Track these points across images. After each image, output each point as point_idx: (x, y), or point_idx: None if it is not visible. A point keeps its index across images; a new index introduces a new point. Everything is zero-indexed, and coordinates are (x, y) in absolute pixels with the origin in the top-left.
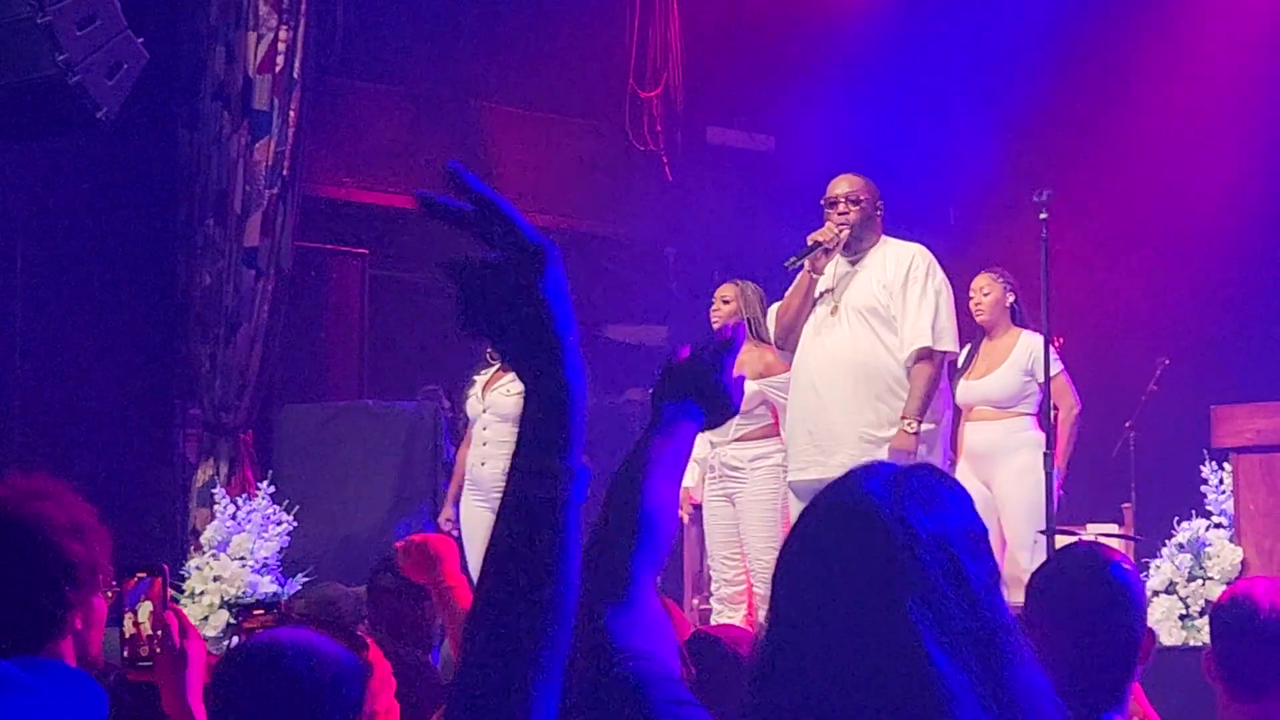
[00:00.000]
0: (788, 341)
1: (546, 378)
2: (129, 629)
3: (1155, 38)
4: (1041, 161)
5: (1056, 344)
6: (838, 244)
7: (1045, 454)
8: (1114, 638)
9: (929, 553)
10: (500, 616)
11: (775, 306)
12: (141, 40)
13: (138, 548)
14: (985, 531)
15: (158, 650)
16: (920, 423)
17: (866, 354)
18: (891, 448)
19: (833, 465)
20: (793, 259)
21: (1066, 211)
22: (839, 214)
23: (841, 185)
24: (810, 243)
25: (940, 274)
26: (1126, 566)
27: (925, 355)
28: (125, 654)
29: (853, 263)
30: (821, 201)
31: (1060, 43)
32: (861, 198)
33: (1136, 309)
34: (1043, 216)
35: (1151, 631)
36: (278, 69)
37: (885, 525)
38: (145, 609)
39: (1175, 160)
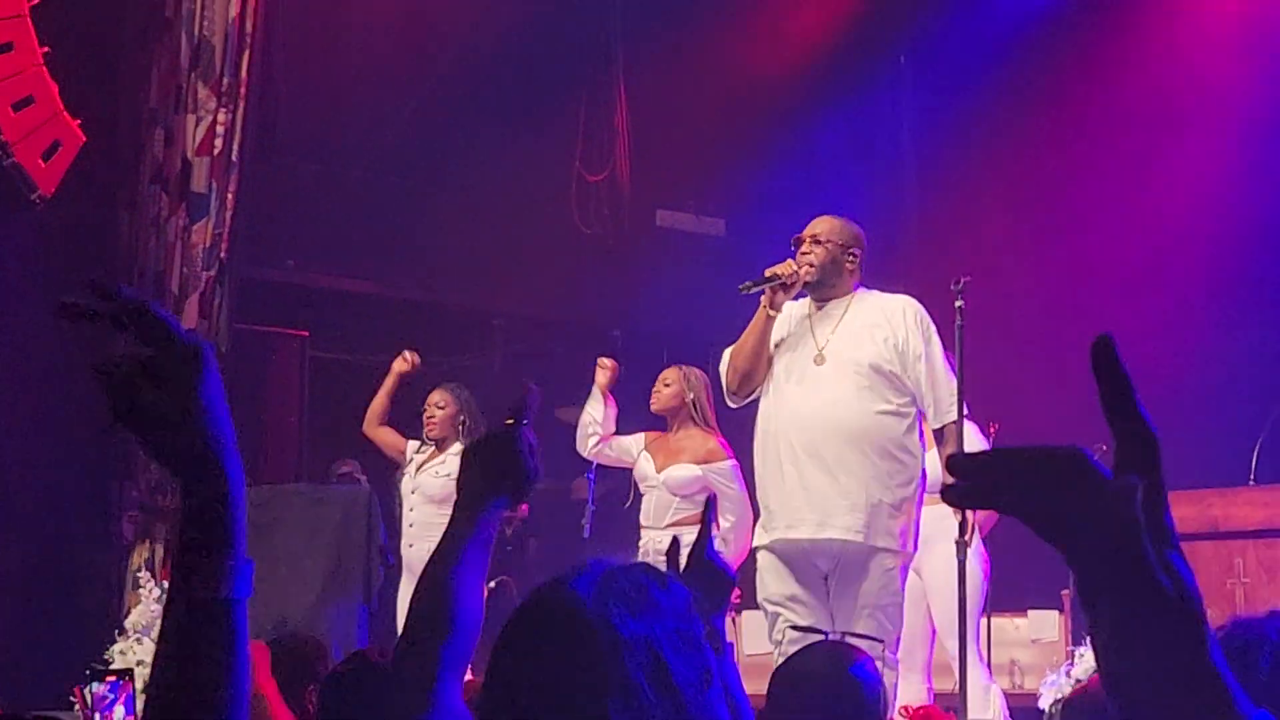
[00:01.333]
0: (744, 386)
1: (206, 476)
2: None
3: (1071, 115)
4: (960, 244)
5: (991, 430)
6: (796, 281)
7: (959, 541)
8: None
9: (632, 655)
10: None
11: (728, 351)
12: (79, 122)
13: (73, 631)
14: (699, 631)
15: None
16: None
17: (866, 414)
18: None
19: (832, 526)
20: (748, 284)
21: (989, 297)
22: (801, 252)
23: (812, 226)
24: (768, 275)
25: None
26: (868, 668)
27: (955, 421)
28: None
29: (820, 307)
30: (791, 241)
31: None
32: (828, 238)
33: (1073, 393)
34: (959, 304)
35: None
36: (216, 151)
37: (589, 626)
38: None
39: (1097, 240)
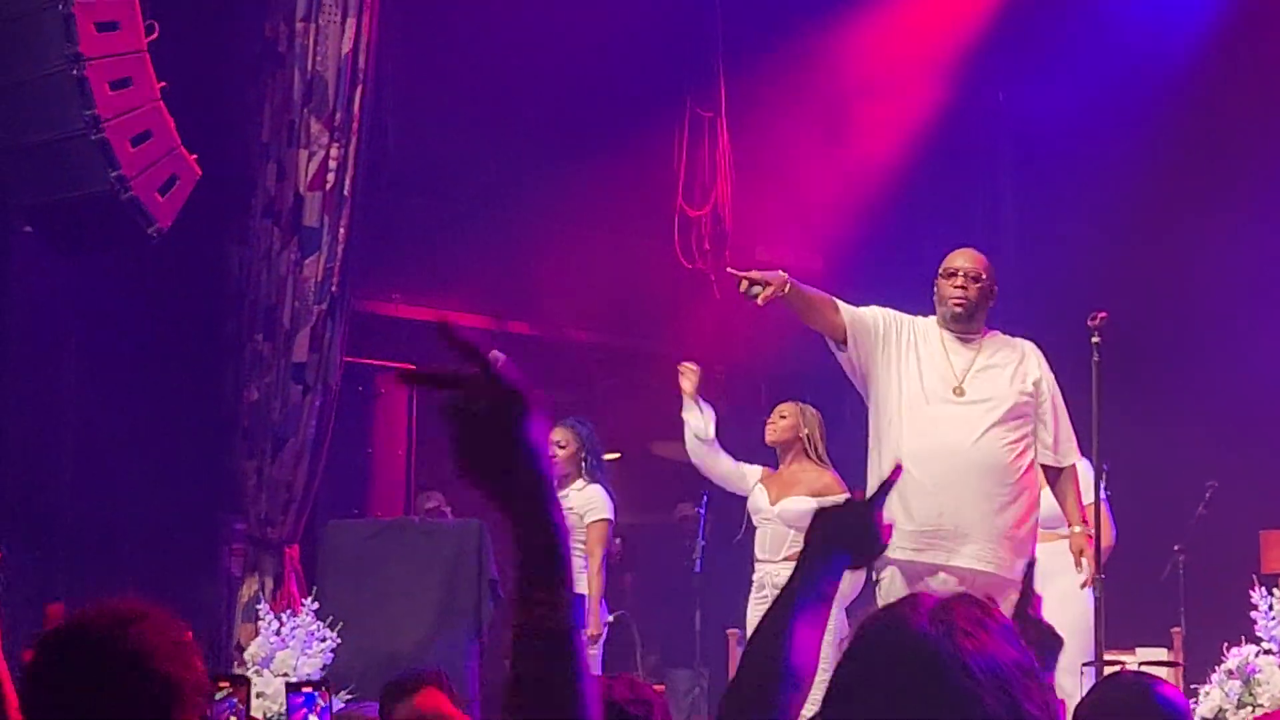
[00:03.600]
0: (835, 334)
1: (534, 515)
2: None
3: (1206, 156)
4: (1087, 277)
5: (1104, 469)
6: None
7: (1098, 579)
8: None
9: (990, 694)
10: None
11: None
12: (195, 156)
13: None
14: (1034, 665)
15: None
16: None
17: (1001, 449)
18: (1079, 548)
19: (963, 555)
20: (746, 285)
21: (1115, 332)
22: (955, 287)
23: (960, 259)
24: (755, 288)
25: None
26: (1173, 696)
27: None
28: None
29: (957, 338)
30: (940, 270)
31: (1111, 160)
32: (980, 275)
33: (1185, 432)
34: (1095, 340)
35: None
36: (328, 186)
37: (945, 670)
38: None
39: (1222, 284)
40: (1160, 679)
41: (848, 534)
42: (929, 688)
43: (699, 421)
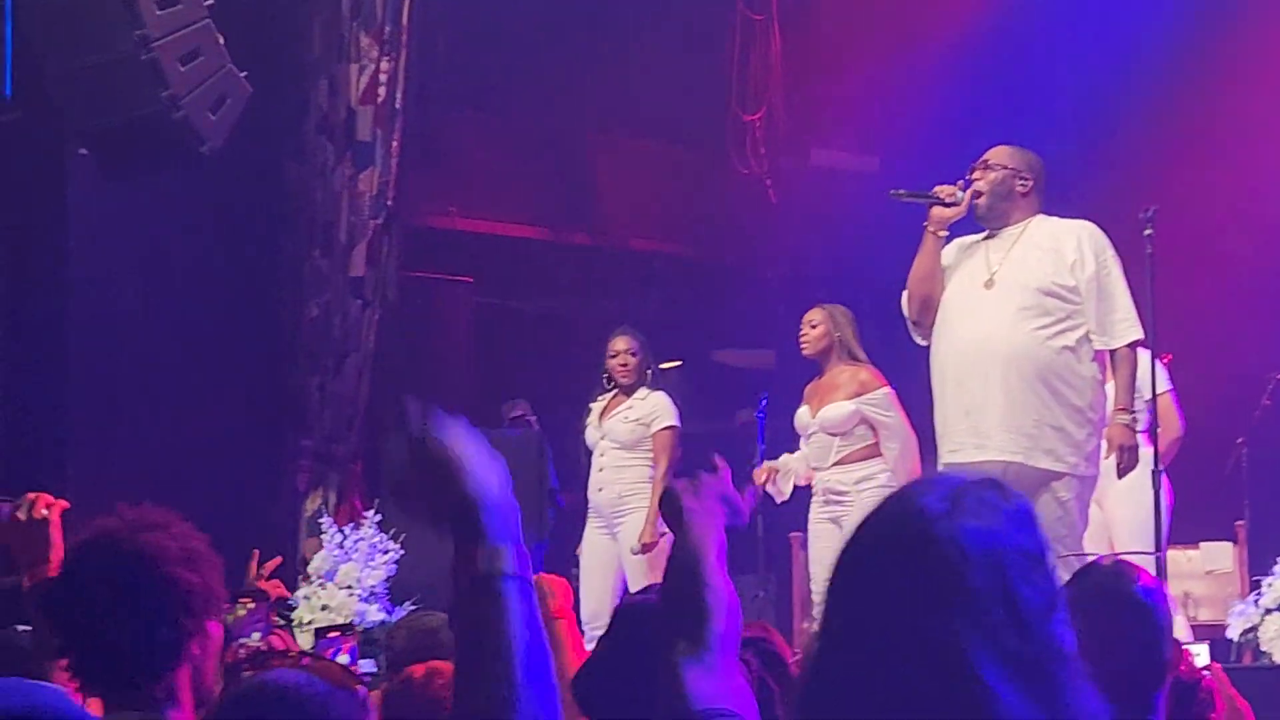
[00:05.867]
0: (925, 314)
1: (451, 499)
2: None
3: (1263, 38)
4: (1145, 169)
5: (1165, 360)
6: (956, 203)
7: (1154, 472)
8: (1142, 656)
9: (981, 574)
10: (475, 699)
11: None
12: (245, 74)
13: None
14: (1043, 552)
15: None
16: (1133, 413)
17: (1028, 336)
18: (1114, 439)
19: (989, 449)
20: (901, 192)
21: (1171, 223)
22: (972, 178)
23: (989, 152)
24: (933, 192)
25: None
26: (1150, 586)
27: (1130, 345)
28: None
29: (993, 235)
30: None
31: (1160, 48)
32: (998, 163)
33: (1248, 322)
34: (1148, 233)
35: (1178, 644)
36: (380, 100)
37: (938, 544)
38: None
39: None
40: (1140, 569)
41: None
42: (917, 560)
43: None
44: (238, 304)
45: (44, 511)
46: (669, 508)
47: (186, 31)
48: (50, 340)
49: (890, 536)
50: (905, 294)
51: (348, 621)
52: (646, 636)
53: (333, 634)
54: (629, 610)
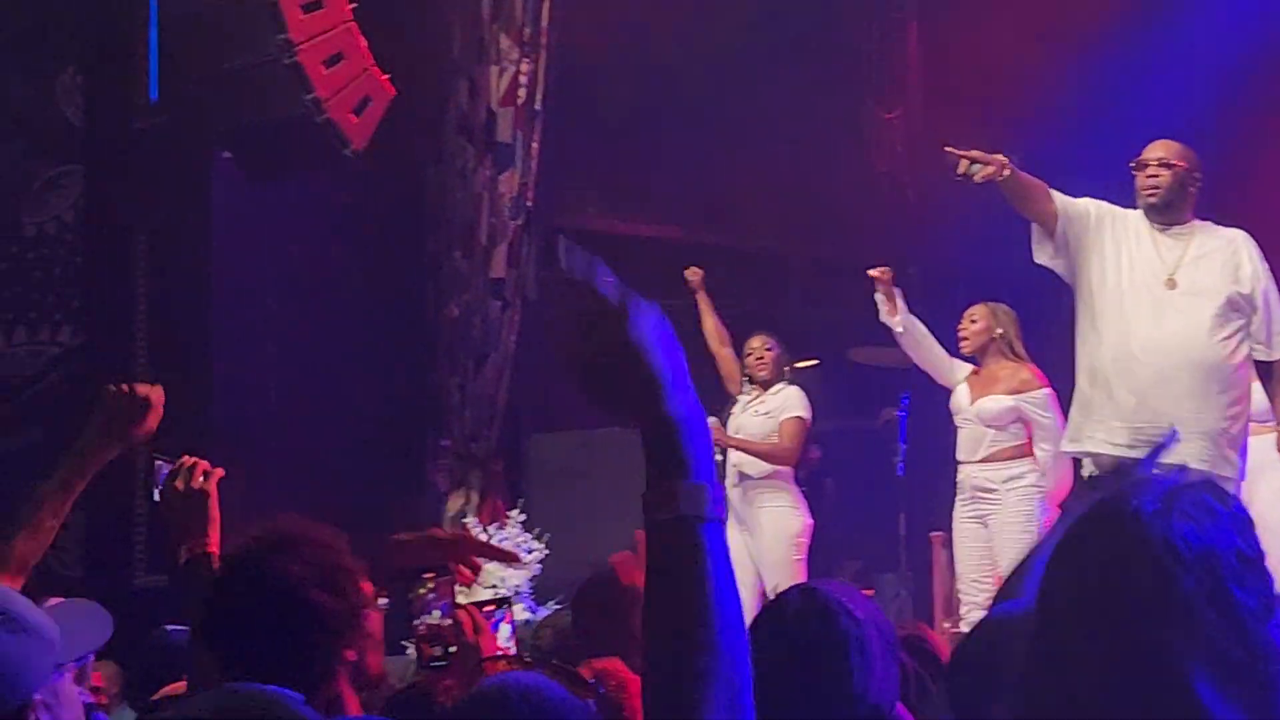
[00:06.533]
0: (1046, 222)
1: (649, 411)
2: (422, 633)
3: None
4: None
5: None
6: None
7: None
8: None
9: (1194, 575)
10: (667, 642)
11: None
12: (387, 77)
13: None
14: (1259, 555)
15: (452, 650)
16: None
17: (1216, 343)
18: None
19: (1177, 452)
20: (965, 164)
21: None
22: (1147, 177)
23: (1151, 150)
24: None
25: None
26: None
27: None
28: (419, 658)
29: (1162, 229)
30: (1130, 164)
31: None
32: (1175, 163)
33: None
34: None
35: None
36: (520, 102)
37: (1151, 545)
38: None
39: None
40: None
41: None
42: (1130, 561)
43: (892, 317)
44: (378, 305)
45: (202, 480)
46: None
47: (329, 35)
48: (193, 340)
49: (1102, 537)
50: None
51: (503, 595)
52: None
53: (489, 608)
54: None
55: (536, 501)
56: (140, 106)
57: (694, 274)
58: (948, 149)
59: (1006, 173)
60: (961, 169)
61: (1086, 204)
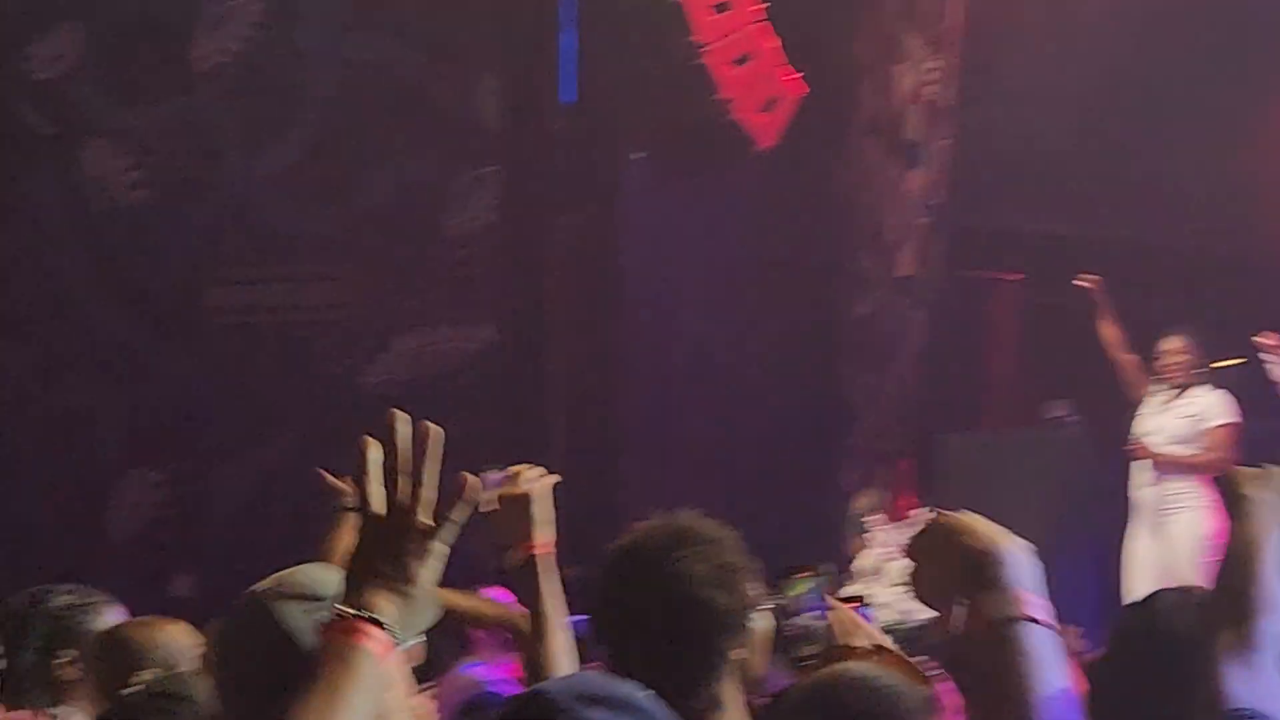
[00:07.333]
0: None
1: None
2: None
3: None
4: None
5: None
6: None
7: None
8: None
9: None
10: None
11: None
12: (795, 77)
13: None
14: None
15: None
16: None
17: None
18: None
19: None
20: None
21: None
22: None
23: None
24: None
25: None
26: None
27: None
28: (790, 655)
29: None
30: None
31: None
32: None
33: None
34: None
35: None
36: (928, 100)
37: None
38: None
39: None
40: None
41: None
42: None
43: None
44: (785, 302)
45: (526, 487)
46: (1228, 495)
47: (738, 35)
48: (604, 335)
49: None
50: None
51: (857, 594)
52: (1181, 630)
53: (852, 604)
54: (1161, 602)
55: (943, 500)
56: (555, 108)
57: (1090, 280)
58: None
59: None
60: None
61: None
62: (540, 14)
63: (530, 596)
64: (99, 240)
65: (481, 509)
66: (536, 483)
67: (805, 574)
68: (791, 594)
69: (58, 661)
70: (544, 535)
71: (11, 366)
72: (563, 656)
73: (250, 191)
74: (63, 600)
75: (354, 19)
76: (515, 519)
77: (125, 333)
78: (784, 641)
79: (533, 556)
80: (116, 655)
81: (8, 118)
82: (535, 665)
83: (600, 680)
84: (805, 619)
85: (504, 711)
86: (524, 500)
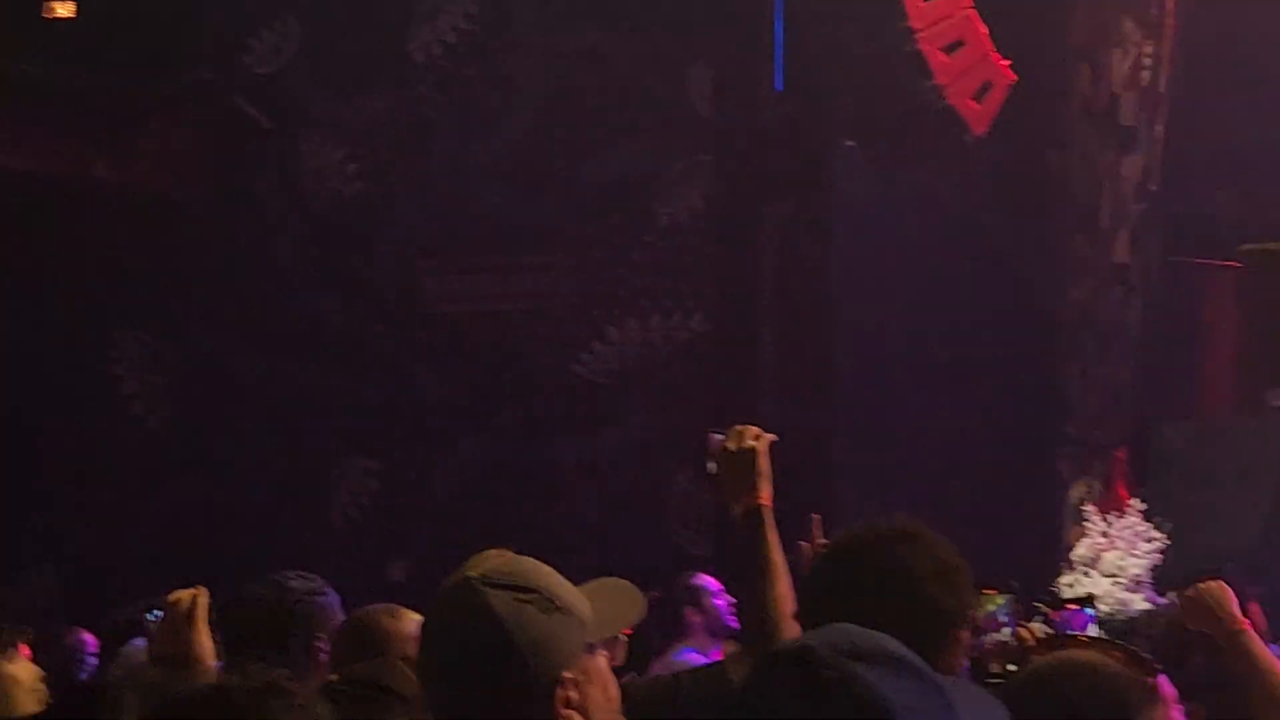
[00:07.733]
0: None
1: None
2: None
3: None
4: None
5: None
6: None
7: None
8: None
9: None
10: None
11: None
12: (1007, 63)
13: (1014, 565)
14: None
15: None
16: None
17: None
18: None
19: None
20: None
21: None
22: None
23: None
24: None
25: None
26: None
27: None
28: (979, 671)
29: None
30: None
31: None
32: None
33: None
34: None
35: None
36: (1144, 84)
37: None
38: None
39: None
40: None
41: None
42: None
43: None
44: (999, 289)
45: (751, 442)
46: None
47: (949, 22)
48: (815, 324)
49: None
50: None
51: (1086, 595)
52: None
53: (1071, 606)
54: None
55: (1160, 490)
56: (767, 96)
57: None
58: None
59: None
60: None
61: None
62: (753, 2)
63: (757, 544)
64: (318, 231)
65: (708, 470)
66: (759, 440)
67: (993, 593)
68: (982, 612)
69: (317, 645)
70: (767, 488)
71: (235, 356)
72: (787, 602)
73: (464, 181)
74: (304, 586)
75: (566, 8)
76: (739, 474)
77: (343, 322)
78: (973, 660)
79: (759, 507)
80: (358, 641)
81: (229, 112)
82: (761, 608)
83: (862, 635)
84: (999, 635)
85: (764, 662)
86: (749, 455)
